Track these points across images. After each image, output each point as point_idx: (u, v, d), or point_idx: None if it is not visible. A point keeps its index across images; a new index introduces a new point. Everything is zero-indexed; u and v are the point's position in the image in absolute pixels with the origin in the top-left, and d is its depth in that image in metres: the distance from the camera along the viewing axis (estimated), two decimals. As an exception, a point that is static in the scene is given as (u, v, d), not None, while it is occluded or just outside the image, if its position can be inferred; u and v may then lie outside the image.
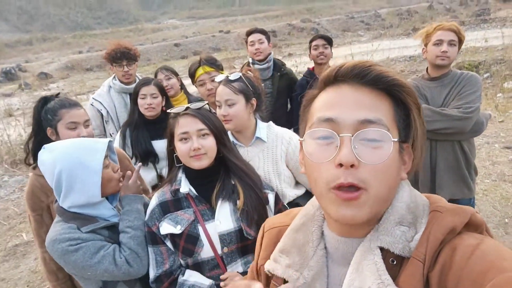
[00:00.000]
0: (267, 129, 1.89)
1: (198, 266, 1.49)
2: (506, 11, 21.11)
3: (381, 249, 0.64)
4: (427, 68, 2.46)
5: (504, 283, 0.52)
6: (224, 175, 1.56)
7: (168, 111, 1.62)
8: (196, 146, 1.46)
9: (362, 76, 0.65)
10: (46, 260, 1.91)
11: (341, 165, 0.62)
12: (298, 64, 10.11)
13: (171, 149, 1.58)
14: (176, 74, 3.03)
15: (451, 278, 0.57)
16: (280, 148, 1.84)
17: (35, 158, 1.94)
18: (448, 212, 0.63)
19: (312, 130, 0.68)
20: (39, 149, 1.92)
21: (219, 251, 1.47)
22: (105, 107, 2.99)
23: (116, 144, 2.58)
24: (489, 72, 9.06)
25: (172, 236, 1.48)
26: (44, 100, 1.95)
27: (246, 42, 3.27)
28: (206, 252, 1.46)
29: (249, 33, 3.26)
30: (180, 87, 3.02)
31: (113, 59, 2.95)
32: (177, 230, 1.45)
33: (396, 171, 0.66)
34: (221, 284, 1.43)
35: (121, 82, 3.02)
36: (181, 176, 1.55)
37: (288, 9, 43.74)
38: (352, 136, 0.63)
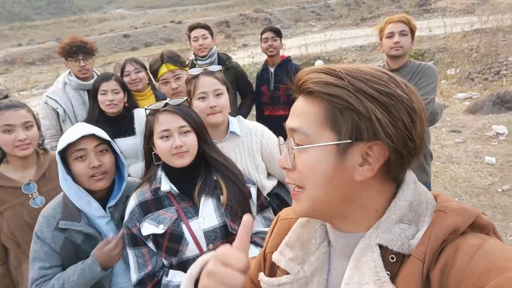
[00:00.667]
0: (238, 123, 1.89)
1: (183, 265, 1.46)
2: (444, 1, 22.42)
3: (381, 246, 0.65)
4: (387, 60, 2.57)
5: (506, 283, 0.52)
6: (205, 171, 1.54)
7: (146, 107, 1.55)
8: (178, 144, 1.42)
9: (298, 87, 0.71)
10: None
11: None
12: (255, 55, 10.12)
13: (149, 147, 1.53)
14: (145, 68, 2.92)
15: (453, 277, 0.57)
16: (255, 141, 1.84)
17: None
18: (452, 212, 0.63)
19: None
20: None
21: (205, 249, 1.45)
22: (61, 105, 2.82)
23: None
24: (433, 60, 9.63)
25: (155, 236, 1.44)
26: None
27: (189, 37, 3.24)
28: (191, 251, 1.44)
29: (191, 28, 3.23)
30: (148, 82, 2.91)
31: (68, 53, 2.79)
32: (160, 229, 1.42)
33: (330, 173, 0.65)
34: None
35: (78, 78, 2.86)
36: (161, 174, 1.51)
37: (239, -1, 43.41)
38: (286, 143, 0.72)
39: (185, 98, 1.58)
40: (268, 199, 1.78)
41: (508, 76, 7.53)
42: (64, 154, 1.50)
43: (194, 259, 1.42)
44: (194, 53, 3.22)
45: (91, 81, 2.82)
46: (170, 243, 1.42)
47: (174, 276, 1.45)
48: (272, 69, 3.47)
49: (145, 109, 1.55)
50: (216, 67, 1.84)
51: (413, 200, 0.67)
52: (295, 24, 23.20)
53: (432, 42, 10.66)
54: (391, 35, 2.42)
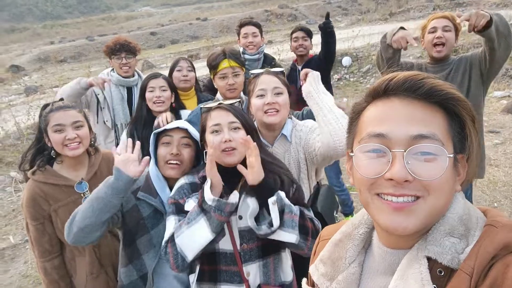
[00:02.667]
0: (291, 126, 1.82)
1: (213, 258, 1.46)
2: (479, -6, 21.53)
3: (429, 259, 0.64)
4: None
5: None
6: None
7: (200, 106, 1.63)
8: (227, 138, 1.45)
9: (414, 90, 0.64)
10: (47, 270, 1.84)
11: (391, 179, 0.63)
12: (281, 52, 10.03)
13: (201, 143, 1.60)
14: (194, 69, 2.96)
15: None
16: (302, 142, 1.77)
17: (32, 164, 1.85)
18: (504, 228, 0.61)
19: (362, 145, 0.68)
20: (37, 156, 1.84)
21: (238, 247, 1.45)
22: (102, 93, 2.95)
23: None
24: (467, 56, 9.24)
25: None
26: (44, 107, 1.87)
27: (238, 33, 3.24)
28: (225, 243, 1.45)
29: (242, 25, 3.23)
30: (194, 83, 2.91)
31: (112, 51, 2.94)
32: None
33: (452, 184, 0.66)
34: None
35: (119, 75, 3.00)
36: None
37: (264, -5, 43.19)
38: (405, 151, 0.62)
39: (238, 100, 1.61)
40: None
41: (550, 73, 7.14)
42: (157, 136, 1.69)
43: (226, 254, 1.45)
44: (242, 48, 3.21)
45: (132, 79, 2.99)
46: None
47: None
48: (299, 67, 3.44)
49: (200, 107, 1.62)
50: (278, 69, 1.82)
51: (463, 214, 0.66)
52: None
53: (466, 38, 10.21)
54: (433, 30, 2.32)
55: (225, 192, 1.47)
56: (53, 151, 1.82)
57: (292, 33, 3.49)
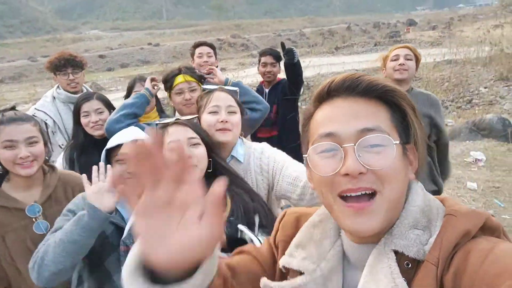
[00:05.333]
0: (243, 147, 1.71)
1: None
2: (413, 33, 23.66)
3: (396, 252, 0.65)
4: None
5: None
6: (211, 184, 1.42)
7: (156, 122, 1.53)
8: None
9: (354, 88, 0.69)
10: None
11: (347, 174, 0.65)
12: (236, 78, 10.19)
13: None
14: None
15: (465, 281, 0.57)
16: (255, 164, 1.67)
17: None
18: (462, 216, 0.64)
19: (315, 146, 0.70)
20: None
21: None
22: (50, 117, 2.71)
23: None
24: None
25: None
26: None
27: (192, 54, 3.19)
28: None
29: (197, 45, 3.19)
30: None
31: (56, 67, 2.70)
32: None
33: (404, 172, 0.69)
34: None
35: (67, 91, 2.78)
36: None
37: (217, 24, 44.15)
38: (355, 145, 0.66)
39: (196, 115, 1.54)
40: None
41: (480, 105, 7.88)
42: (109, 152, 1.55)
43: None
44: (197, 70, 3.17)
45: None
46: None
47: None
48: (266, 90, 3.41)
49: (156, 123, 1.52)
50: (233, 88, 1.78)
51: (424, 206, 0.69)
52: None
53: (406, 71, 11.06)
54: (396, 58, 2.42)
55: None
56: (0, 167, 1.61)
57: (260, 55, 3.41)
